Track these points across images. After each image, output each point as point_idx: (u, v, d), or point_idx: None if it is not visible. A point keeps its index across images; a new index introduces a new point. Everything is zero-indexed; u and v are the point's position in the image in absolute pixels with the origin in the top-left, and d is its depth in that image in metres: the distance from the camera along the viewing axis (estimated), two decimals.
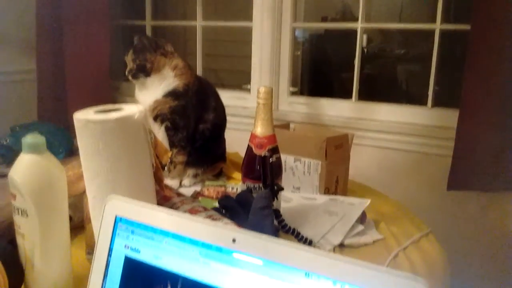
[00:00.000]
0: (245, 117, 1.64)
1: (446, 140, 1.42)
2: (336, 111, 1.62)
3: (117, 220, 0.48)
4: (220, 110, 1.21)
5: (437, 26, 1.50)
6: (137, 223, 0.47)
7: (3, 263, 0.63)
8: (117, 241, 0.48)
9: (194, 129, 1.15)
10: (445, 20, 1.50)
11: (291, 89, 1.72)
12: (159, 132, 1.14)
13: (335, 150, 1.07)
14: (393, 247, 0.89)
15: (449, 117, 1.44)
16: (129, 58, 1.11)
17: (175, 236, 0.44)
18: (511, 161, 1.34)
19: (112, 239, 0.48)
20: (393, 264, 0.83)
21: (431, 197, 1.50)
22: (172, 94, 1.10)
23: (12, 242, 0.66)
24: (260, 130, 0.87)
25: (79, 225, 0.88)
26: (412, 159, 1.52)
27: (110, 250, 0.48)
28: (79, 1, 1.78)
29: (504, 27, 1.25)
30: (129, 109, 0.66)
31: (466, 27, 1.36)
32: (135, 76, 1.10)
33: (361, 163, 1.58)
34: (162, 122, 1.13)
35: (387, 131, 1.54)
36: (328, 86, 2.16)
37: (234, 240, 0.41)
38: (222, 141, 1.24)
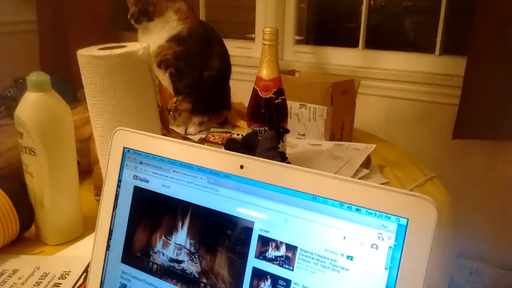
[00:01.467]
0: (249, 67, 1.62)
1: (454, 89, 1.41)
2: (342, 59, 1.59)
3: (125, 152, 0.48)
4: (224, 57, 1.19)
5: None
6: (145, 154, 0.47)
7: (13, 203, 0.64)
8: (125, 172, 0.48)
9: (199, 76, 1.14)
10: None
11: (297, 37, 1.69)
12: (164, 79, 1.12)
13: (341, 95, 1.06)
14: None
15: (457, 65, 1.41)
16: (131, 1, 1.08)
17: (183, 165, 0.45)
18: None
19: (121, 171, 0.48)
20: None
21: (438, 146, 1.50)
22: (176, 39, 1.08)
23: (21, 185, 0.67)
24: (265, 72, 0.86)
25: (86, 169, 0.89)
26: (419, 108, 1.51)
27: (119, 181, 0.48)
28: None
29: None
30: (133, 46, 0.65)
31: None
32: (137, 21, 1.08)
33: (367, 112, 1.57)
34: (166, 68, 1.11)
35: (394, 79, 1.52)
36: (334, 35, 2.12)
37: (242, 167, 0.41)
38: (227, 88, 1.23)
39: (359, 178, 0.91)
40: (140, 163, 0.47)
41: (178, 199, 0.45)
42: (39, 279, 0.60)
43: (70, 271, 0.61)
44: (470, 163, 1.49)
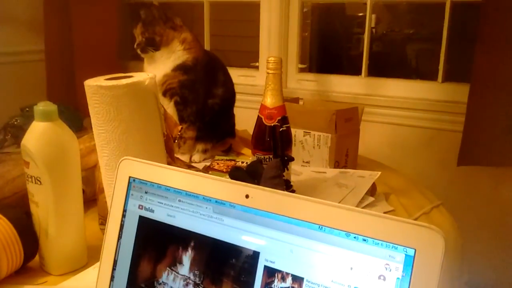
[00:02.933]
0: (254, 95, 1.64)
1: (457, 115, 1.41)
2: (345, 87, 1.61)
3: (130, 181, 0.48)
4: (229, 85, 1.21)
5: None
6: (151, 183, 0.47)
7: (18, 233, 0.64)
8: (131, 202, 0.48)
9: (203, 104, 1.15)
10: None
11: (300, 66, 1.71)
12: (169, 107, 1.14)
13: (345, 123, 1.06)
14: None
15: (460, 92, 1.42)
16: (138, 31, 1.10)
17: (188, 195, 0.45)
18: None
19: (126, 200, 0.48)
20: None
21: (443, 173, 1.49)
22: (181, 68, 1.10)
23: (26, 213, 0.67)
24: (269, 100, 0.87)
25: (91, 198, 0.89)
26: (422, 135, 1.51)
27: (124, 211, 0.48)
28: None
29: None
30: (139, 76, 0.66)
31: None
32: (144, 50, 1.10)
33: (371, 139, 1.57)
34: (171, 96, 1.12)
35: (397, 106, 1.53)
36: (337, 63, 2.14)
37: (247, 196, 0.41)
38: (231, 116, 1.24)
39: (364, 206, 0.91)
40: (146, 192, 0.47)
41: (183, 229, 0.45)
42: None
43: None
44: (476, 188, 1.48)
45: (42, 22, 1.92)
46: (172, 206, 0.45)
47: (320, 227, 0.38)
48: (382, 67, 1.73)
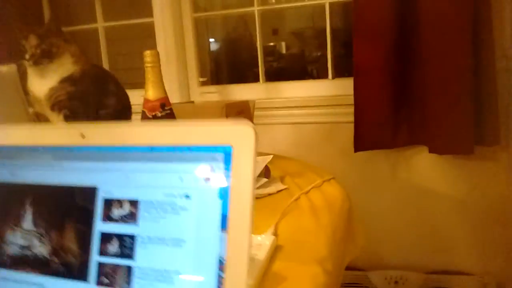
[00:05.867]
0: None
1: (348, 107, 1.50)
2: (246, 94, 1.66)
3: None
4: (121, 95, 1.20)
5: (326, 1, 1.59)
6: None
7: None
8: None
9: (95, 115, 1.13)
10: None
11: (201, 79, 1.74)
12: (58, 122, 1.10)
13: (237, 115, 1.10)
14: (296, 193, 0.92)
15: (347, 86, 1.52)
16: (31, 43, 1.07)
17: (29, 149, 0.44)
18: (406, 118, 1.44)
19: None
20: (294, 205, 0.86)
21: (345, 162, 1.57)
22: (68, 80, 1.08)
23: None
24: (151, 93, 0.88)
25: None
26: (322, 129, 1.59)
27: None
28: None
29: None
30: None
31: None
32: (37, 62, 1.07)
33: (276, 140, 1.62)
34: (60, 110, 1.09)
35: (296, 106, 1.60)
36: (236, 75, 2.22)
37: (83, 136, 0.41)
38: None
39: (259, 187, 0.93)
40: None
41: (24, 185, 0.43)
42: None
43: None
44: (376, 172, 1.57)
45: None
46: (15, 164, 0.44)
47: (151, 148, 0.39)
48: (279, 76, 1.81)
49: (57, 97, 1.09)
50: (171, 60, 1.72)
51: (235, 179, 0.35)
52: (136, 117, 1.30)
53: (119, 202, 0.39)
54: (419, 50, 1.37)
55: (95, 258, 0.39)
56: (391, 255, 1.59)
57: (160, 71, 0.89)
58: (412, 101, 1.42)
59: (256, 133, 0.35)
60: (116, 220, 0.39)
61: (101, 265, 0.38)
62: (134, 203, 0.38)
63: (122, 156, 0.40)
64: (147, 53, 0.87)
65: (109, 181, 0.40)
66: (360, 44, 1.39)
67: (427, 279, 1.55)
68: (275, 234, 0.69)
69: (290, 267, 0.60)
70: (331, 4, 1.59)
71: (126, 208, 0.39)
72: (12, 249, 0.43)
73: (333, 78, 1.62)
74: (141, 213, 0.38)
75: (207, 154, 0.36)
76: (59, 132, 0.42)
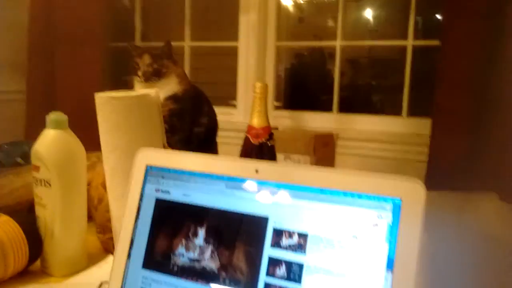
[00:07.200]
0: (232, 131, 1.72)
1: (421, 146, 1.53)
2: (319, 123, 1.72)
3: (147, 169, 0.54)
4: (212, 115, 1.29)
5: (409, 43, 1.64)
6: (167, 169, 0.53)
7: (25, 234, 0.68)
8: (147, 187, 0.54)
9: (190, 132, 1.23)
10: (415, 37, 1.65)
11: (276, 103, 1.82)
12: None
13: (322, 147, 1.16)
14: None
15: (422, 125, 1.55)
16: (144, 62, 1.19)
17: (202, 175, 0.51)
18: (480, 162, 1.45)
19: (143, 186, 0.54)
20: None
21: None
22: (172, 98, 1.18)
23: (33, 217, 0.71)
24: (256, 121, 0.95)
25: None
26: (391, 165, 1.62)
27: (141, 195, 0.54)
28: (72, 22, 1.85)
29: (472, 40, 1.39)
30: (144, 91, 0.73)
31: (435, 42, 1.50)
32: (148, 79, 1.18)
33: None
34: None
35: (367, 139, 1.64)
36: (310, 102, 2.29)
37: (257, 171, 0.48)
38: (215, 144, 1.31)
39: None
40: (162, 177, 0.53)
41: (197, 206, 0.51)
42: None
43: None
44: (442, 214, 1.58)
45: (24, 63, 1.97)
46: (188, 186, 0.52)
47: (321, 190, 0.45)
48: (351, 108, 1.86)
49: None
50: (250, 84, 1.81)
51: (404, 227, 0.41)
52: (222, 133, 1.39)
53: (288, 233, 0.45)
54: (500, 97, 1.39)
55: (262, 278, 0.45)
56: None
57: (266, 101, 0.96)
58: (488, 146, 1.43)
59: (425, 191, 0.41)
60: (284, 248, 0.45)
61: (267, 285, 0.45)
62: (303, 236, 0.44)
63: (292, 193, 0.46)
64: (258, 85, 0.94)
65: (280, 214, 0.46)
66: (444, 87, 1.43)
67: None
68: None
69: None
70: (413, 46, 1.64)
71: (295, 239, 0.45)
72: (181, 260, 0.50)
73: (407, 116, 1.65)
74: (310, 245, 0.44)
75: (376, 203, 0.42)
76: (235, 164, 0.49)
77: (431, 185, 1.50)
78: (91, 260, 0.76)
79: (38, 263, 0.72)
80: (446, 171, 1.45)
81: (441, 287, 1.61)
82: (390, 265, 0.40)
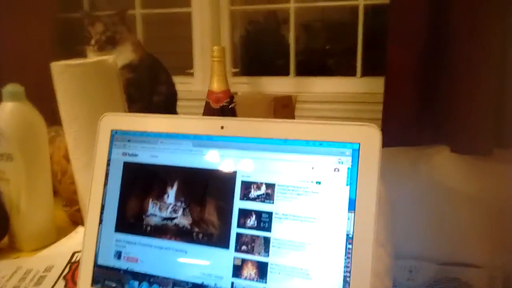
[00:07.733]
0: (191, 100, 1.71)
1: (376, 105, 1.59)
2: (277, 87, 1.74)
3: (113, 134, 0.55)
4: (170, 83, 1.28)
5: (360, 2, 1.67)
6: (133, 132, 0.54)
7: None
8: (114, 151, 0.54)
9: (149, 101, 1.21)
10: None
11: (233, 70, 1.82)
12: None
13: (282, 109, 1.18)
14: None
15: (376, 84, 1.61)
16: (97, 30, 1.15)
17: (168, 136, 0.52)
18: (432, 116, 1.52)
19: (110, 151, 0.54)
20: None
21: None
22: (128, 67, 1.16)
23: None
24: (216, 85, 0.95)
25: None
26: None
27: (109, 160, 0.54)
28: None
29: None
30: (101, 58, 0.72)
31: (386, 0, 1.53)
32: (101, 48, 1.15)
33: None
34: None
35: (324, 100, 1.68)
36: (267, 68, 2.30)
37: (222, 127, 0.50)
38: (175, 112, 1.31)
39: None
40: (128, 141, 0.54)
41: (166, 166, 0.52)
42: (23, 275, 0.62)
43: (53, 265, 0.64)
44: (398, 169, 1.66)
45: None
46: (154, 148, 0.53)
47: (285, 141, 0.47)
48: (307, 72, 1.89)
49: None
50: (206, 51, 1.79)
51: (362, 170, 0.44)
52: (181, 103, 1.39)
53: (257, 185, 0.47)
54: (449, 53, 1.45)
55: (234, 229, 0.47)
56: (406, 246, 1.69)
57: (225, 65, 0.96)
58: (438, 101, 1.50)
59: (381, 134, 0.44)
60: (253, 199, 0.47)
61: (239, 235, 0.47)
62: (270, 186, 0.47)
63: (258, 147, 0.48)
64: (215, 48, 0.94)
65: (247, 167, 0.48)
66: (395, 45, 1.47)
67: (439, 270, 1.65)
68: None
69: None
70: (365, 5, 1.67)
71: (263, 190, 0.47)
72: (153, 220, 0.51)
73: (361, 76, 1.70)
74: (277, 194, 0.46)
75: (337, 149, 0.45)
76: (200, 123, 0.51)
77: (386, 142, 1.56)
78: (60, 233, 0.76)
79: (6, 239, 0.71)
80: (400, 127, 1.51)
81: (399, 231, 1.71)
82: (352, 206, 0.44)
